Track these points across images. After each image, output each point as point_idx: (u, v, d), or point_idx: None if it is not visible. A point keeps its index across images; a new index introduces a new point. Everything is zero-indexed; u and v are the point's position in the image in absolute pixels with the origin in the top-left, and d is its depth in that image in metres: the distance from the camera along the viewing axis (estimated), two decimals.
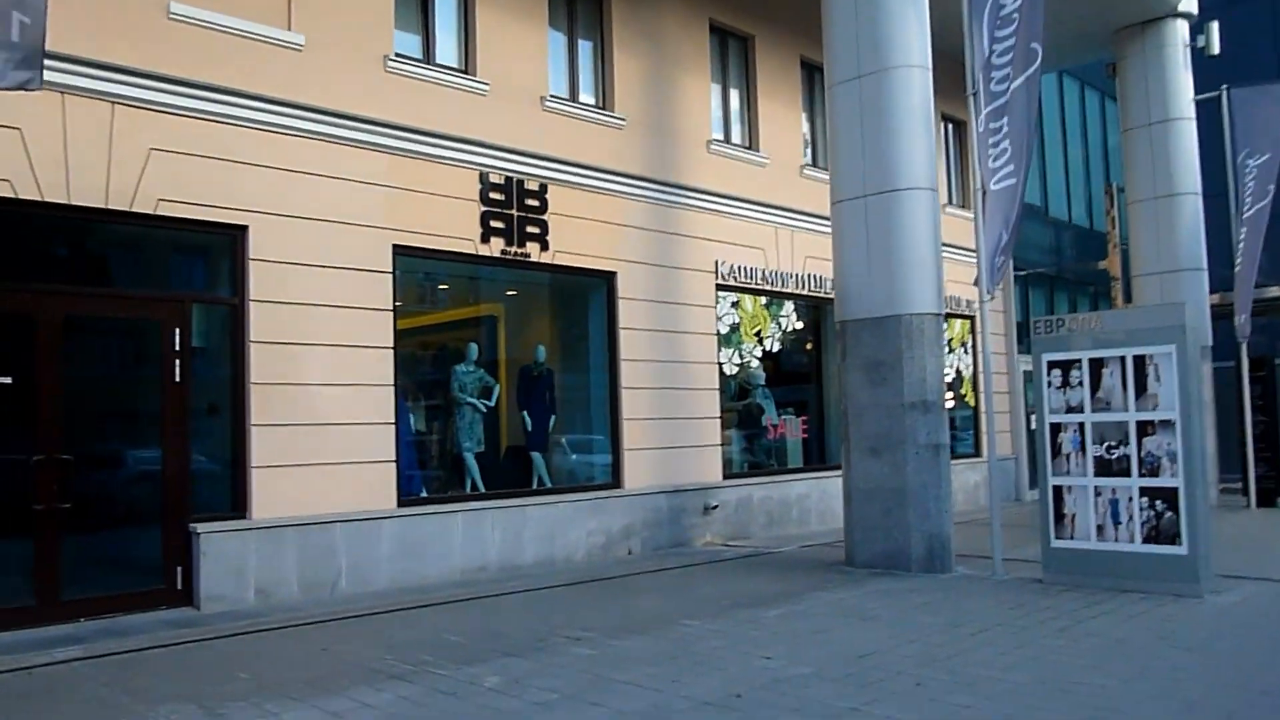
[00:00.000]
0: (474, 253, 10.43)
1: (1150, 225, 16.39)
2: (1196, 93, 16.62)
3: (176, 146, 8.39)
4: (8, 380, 7.73)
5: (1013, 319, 18.20)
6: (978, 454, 17.37)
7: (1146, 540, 8.38)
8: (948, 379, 16.98)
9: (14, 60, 5.24)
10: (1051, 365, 8.98)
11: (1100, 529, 8.64)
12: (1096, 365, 8.70)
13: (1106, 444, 8.63)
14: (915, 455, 9.68)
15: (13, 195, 7.58)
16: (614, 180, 11.70)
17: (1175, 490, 8.22)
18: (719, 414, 12.80)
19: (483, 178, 10.50)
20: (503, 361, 11.55)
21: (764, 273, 13.52)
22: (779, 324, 14.00)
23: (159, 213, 8.28)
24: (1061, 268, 20.11)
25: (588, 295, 11.89)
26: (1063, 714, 4.98)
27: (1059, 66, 19.67)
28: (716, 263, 12.90)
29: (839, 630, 7.18)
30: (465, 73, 10.56)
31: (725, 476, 12.80)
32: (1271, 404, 16.18)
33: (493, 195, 10.58)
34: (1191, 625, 7.10)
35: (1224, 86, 16.02)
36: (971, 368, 17.43)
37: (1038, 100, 9.86)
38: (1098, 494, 8.67)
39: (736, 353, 13.36)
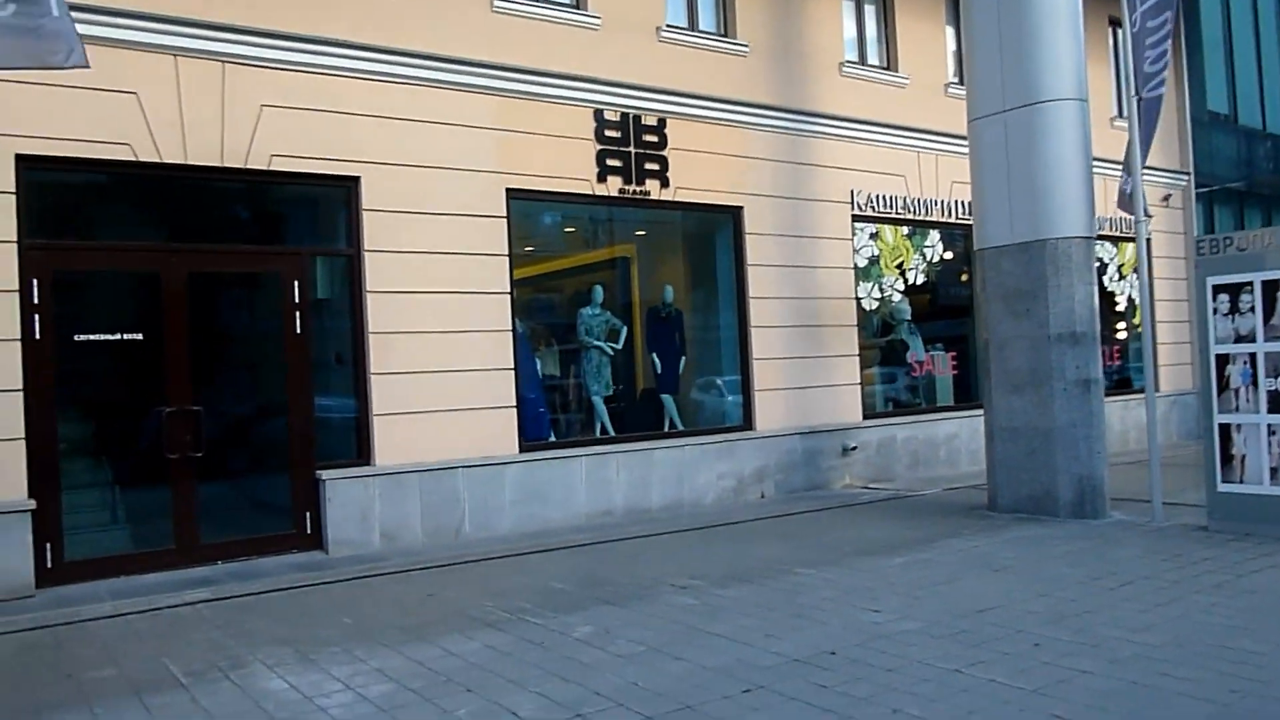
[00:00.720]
0: (590, 193, 10.19)
1: None
2: None
3: (286, 101, 8.45)
4: (139, 336, 8.05)
5: (1193, 241, 16.60)
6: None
7: None
8: (1120, 308, 15.76)
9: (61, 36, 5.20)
10: (1218, 290, 8.05)
11: (1275, 472, 7.75)
12: (1271, 288, 7.73)
13: None
14: (1063, 391, 8.93)
15: (133, 158, 7.81)
16: (738, 111, 11.19)
17: None
18: (858, 351, 12.22)
19: (597, 115, 10.22)
20: (636, 303, 11.34)
21: (905, 201, 12.74)
22: (923, 255, 13.22)
23: (273, 168, 8.39)
24: (1254, 182, 18.20)
25: (715, 232, 11.49)
26: (1198, 685, 4.41)
27: None
28: (852, 192, 12.23)
29: (963, 581, 6.69)
30: (575, 7, 10.25)
31: (865, 416, 12.25)
32: None
33: (608, 133, 10.28)
34: None
35: None
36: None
37: None
38: (1272, 433, 7.76)
39: (876, 287, 12.70)
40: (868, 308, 12.61)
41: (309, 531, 8.60)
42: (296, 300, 8.61)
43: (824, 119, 11.97)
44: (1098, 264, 15.24)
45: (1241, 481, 7.93)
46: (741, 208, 11.25)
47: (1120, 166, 14.37)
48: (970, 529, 8.65)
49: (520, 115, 9.70)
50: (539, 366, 10.70)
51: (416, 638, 5.74)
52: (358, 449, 8.83)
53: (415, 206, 9.03)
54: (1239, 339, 7.92)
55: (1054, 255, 8.94)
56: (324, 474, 8.55)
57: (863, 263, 12.50)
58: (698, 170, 10.88)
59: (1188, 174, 16.69)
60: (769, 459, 11.28)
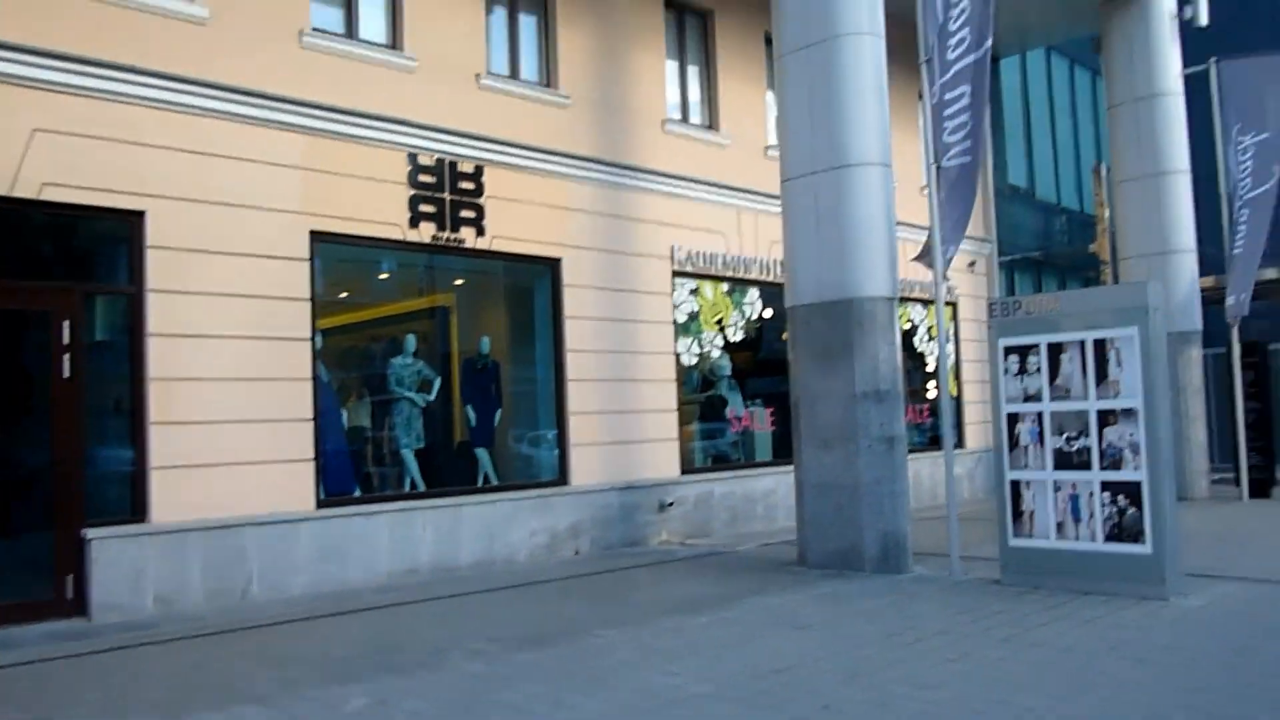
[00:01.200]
0: (402, 238, 9.85)
1: (1138, 205, 15.69)
2: (1185, 67, 15.96)
3: (63, 127, 7.82)
4: None
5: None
6: (960, 445, 16.72)
7: (1109, 539, 7.76)
8: (931, 368, 16.38)
9: None
10: (1008, 350, 8.36)
11: (1060, 526, 8.03)
12: (1055, 350, 8.08)
13: (1066, 435, 8.01)
14: (868, 448, 9.08)
15: None
16: (558, 161, 11.10)
17: (1138, 484, 7.60)
18: (676, 406, 12.20)
19: (411, 159, 9.92)
20: (454, 354, 11.02)
21: (725, 258, 12.90)
22: (743, 312, 13.38)
23: (44, 197, 7.72)
24: (1050, 252, 19.43)
25: (534, 283, 11.31)
26: None
27: (1047, 42, 19.01)
28: (673, 248, 12.29)
29: (765, 640, 6.59)
30: (391, 47, 9.97)
31: (684, 471, 12.21)
32: (1264, 391, 15.51)
33: (422, 178, 9.99)
34: (1148, 632, 6.49)
35: (1212, 59, 15.32)
36: (953, 355, 16.76)
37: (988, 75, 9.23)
38: (1057, 489, 8.05)
39: (696, 342, 12.75)
40: (687, 363, 12.64)
41: (70, 596, 7.82)
42: (66, 341, 7.90)
43: (646, 174, 12.02)
44: (910, 325, 15.87)
45: (1031, 536, 8.19)
46: (560, 259, 11.12)
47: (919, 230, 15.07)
48: (778, 585, 8.63)
49: (328, 155, 9.31)
50: (346, 418, 10.21)
51: (167, 714, 5.20)
52: (133, 505, 8.12)
53: (208, 245, 8.48)
54: (1027, 398, 8.23)
55: (859, 314, 9.14)
56: (91, 532, 7.81)
57: (682, 318, 12.54)
58: (516, 220, 10.70)
59: (991, 242, 17.63)
60: (585, 515, 11.05)
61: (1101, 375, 7.80)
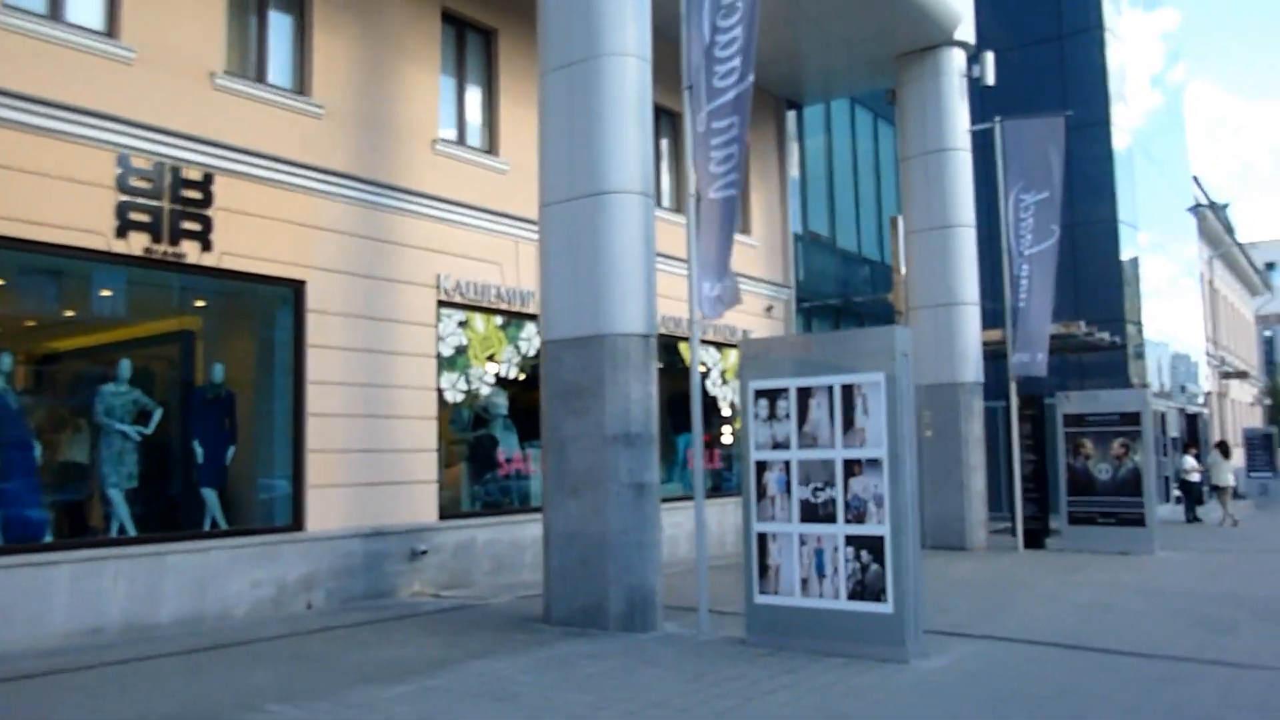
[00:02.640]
0: (105, 249, 8.67)
1: (926, 257, 15.86)
2: (974, 124, 16.32)
3: None
4: None
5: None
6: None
7: (852, 596, 7.31)
8: (725, 412, 16.02)
9: None
10: (759, 394, 7.88)
11: (805, 583, 7.54)
12: (804, 395, 7.64)
13: (813, 485, 7.55)
14: (617, 495, 8.42)
15: None
16: (307, 175, 10.14)
17: (882, 539, 7.18)
18: (437, 446, 11.30)
19: (122, 161, 8.78)
20: (180, 383, 9.85)
21: (500, 290, 12.14)
22: (518, 347, 12.62)
23: None
24: (849, 300, 19.55)
25: (277, 308, 10.25)
26: None
27: (849, 93, 19.22)
28: (439, 276, 11.45)
29: (456, 715, 5.76)
30: (106, 35, 8.84)
31: (442, 516, 11.28)
32: (1040, 443, 15.81)
33: (135, 182, 8.86)
34: (877, 703, 5.99)
35: (997, 118, 15.68)
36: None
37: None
38: (803, 542, 7.58)
39: (463, 378, 11.90)
40: (453, 399, 11.76)
41: None
42: None
43: (411, 195, 11.18)
44: (704, 369, 15.47)
45: (777, 593, 7.67)
46: (305, 282, 10.12)
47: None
48: (510, 647, 7.82)
49: (14, 150, 8.09)
50: (40, 452, 8.87)
51: None
52: None
53: None
54: (776, 445, 7.75)
55: (612, 352, 8.52)
56: None
57: (449, 351, 11.68)
58: (253, 236, 9.66)
59: (789, 288, 17.52)
60: (321, 564, 9.99)
61: (848, 423, 7.39)
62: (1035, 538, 15.34)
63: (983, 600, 10.08)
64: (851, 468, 7.34)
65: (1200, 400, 30.64)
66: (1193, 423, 27.09)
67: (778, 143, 17.86)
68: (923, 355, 15.72)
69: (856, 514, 7.30)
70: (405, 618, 9.44)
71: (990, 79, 15.85)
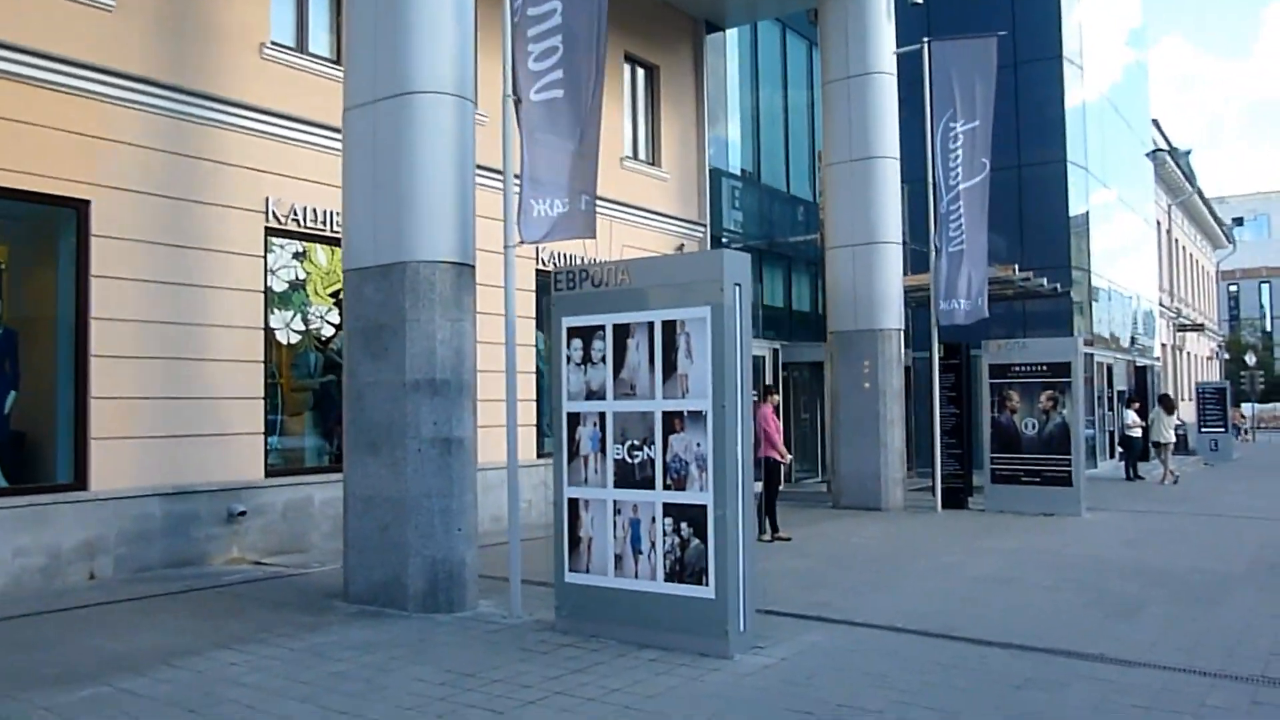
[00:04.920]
0: None
1: (845, 192, 14.54)
2: (902, 46, 14.92)
3: None
4: None
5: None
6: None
7: (669, 577, 6.07)
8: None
9: None
10: (572, 332, 6.56)
11: (619, 559, 6.30)
12: (622, 334, 6.33)
13: (629, 443, 6.28)
14: (418, 453, 7.13)
15: None
16: (93, 78, 8.65)
17: (704, 509, 5.92)
18: (263, 394, 9.94)
19: None
20: None
21: None
22: None
23: None
24: (773, 241, 18.21)
25: (60, 233, 8.81)
26: None
27: (776, 14, 17.71)
28: (268, 201, 10.02)
29: None
30: None
31: (269, 474, 9.96)
32: (963, 396, 14.63)
33: None
34: (674, 713, 4.77)
35: (925, 39, 14.29)
36: None
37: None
38: (618, 511, 6.31)
39: (300, 317, 10.52)
40: (287, 340, 10.38)
41: None
42: None
43: (232, 107, 9.70)
44: None
45: (588, 570, 6.42)
46: (89, 202, 8.66)
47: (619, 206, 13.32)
48: (278, 633, 6.55)
49: None
50: None
51: None
52: None
53: None
54: (590, 394, 6.46)
55: (415, 283, 7.17)
56: None
57: (281, 286, 10.28)
58: (26, 148, 8.20)
59: (704, 225, 16.16)
60: (109, 528, 8.66)
61: (670, 368, 6.09)
62: (956, 497, 14.23)
63: (869, 573, 8.91)
64: (672, 422, 6.07)
65: (1154, 353, 29.67)
66: (1143, 376, 26.08)
67: (694, 68, 16.39)
68: (840, 299, 14.53)
69: (677, 479, 6.03)
70: (196, 590, 8.15)
71: None
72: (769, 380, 16.73)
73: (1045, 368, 13.79)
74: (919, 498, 14.60)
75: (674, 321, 6.06)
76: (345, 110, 7.67)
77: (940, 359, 14.49)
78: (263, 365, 9.98)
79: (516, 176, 7.25)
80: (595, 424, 6.40)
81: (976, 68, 13.90)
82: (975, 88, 13.88)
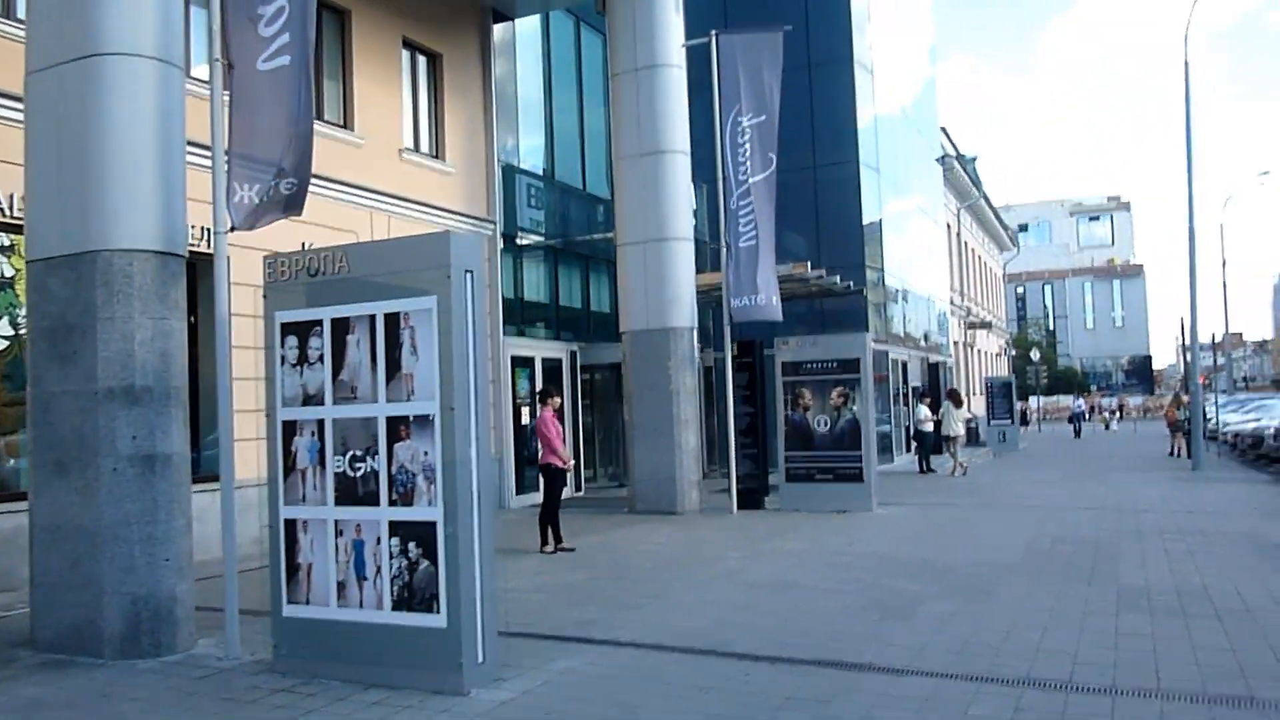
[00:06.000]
0: None
1: (635, 187, 14.11)
2: (691, 38, 14.64)
3: None
4: None
5: (498, 294, 15.35)
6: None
7: (397, 605, 5.32)
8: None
9: None
10: (287, 329, 5.73)
11: (342, 587, 5.50)
12: (341, 329, 5.54)
13: (351, 454, 5.49)
14: (113, 473, 6.11)
15: None
16: None
17: (433, 526, 5.21)
18: None
19: None
20: None
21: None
22: None
23: None
24: (569, 239, 17.64)
25: None
26: None
27: (564, 4, 17.13)
28: None
29: None
30: None
31: None
32: (758, 394, 14.45)
33: None
34: None
35: (713, 31, 14.02)
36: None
37: None
38: (339, 533, 5.52)
39: (8, 320, 9.18)
40: None
41: None
42: None
43: None
44: None
45: (308, 602, 5.60)
46: None
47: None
48: None
49: None
50: None
51: None
52: None
53: None
54: (308, 399, 5.64)
55: (108, 274, 6.15)
56: None
57: None
58: None
59: (493, 222, 15.42)
60: None
61: (394, 367, 5.35)
62: (752, 498, 13.99)
63: (646, 584, 8.39)
64: (397, 429, 5.33)
65: (947, 350, 30.83)
66: (935, 372, 26.98)
67: (480, 57, 15.62)
68: (632, 297, 14.09)
69: (403, 493, 5.30)
70: None
71: None
72: (551, 382, 16.15)
73: (836, 364, 13.73)
74: (718, 499, 14.31)
75: (397, 314, 5.32)
76: (27, 75, 6.54)
77: (734, 357, 14.26)
78: None
79: (228, 153, 6.33)
80: (313, 433, 5.58)
81: (764, 61, 13.73)
82: (763, 81, 13.69)
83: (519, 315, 16.19)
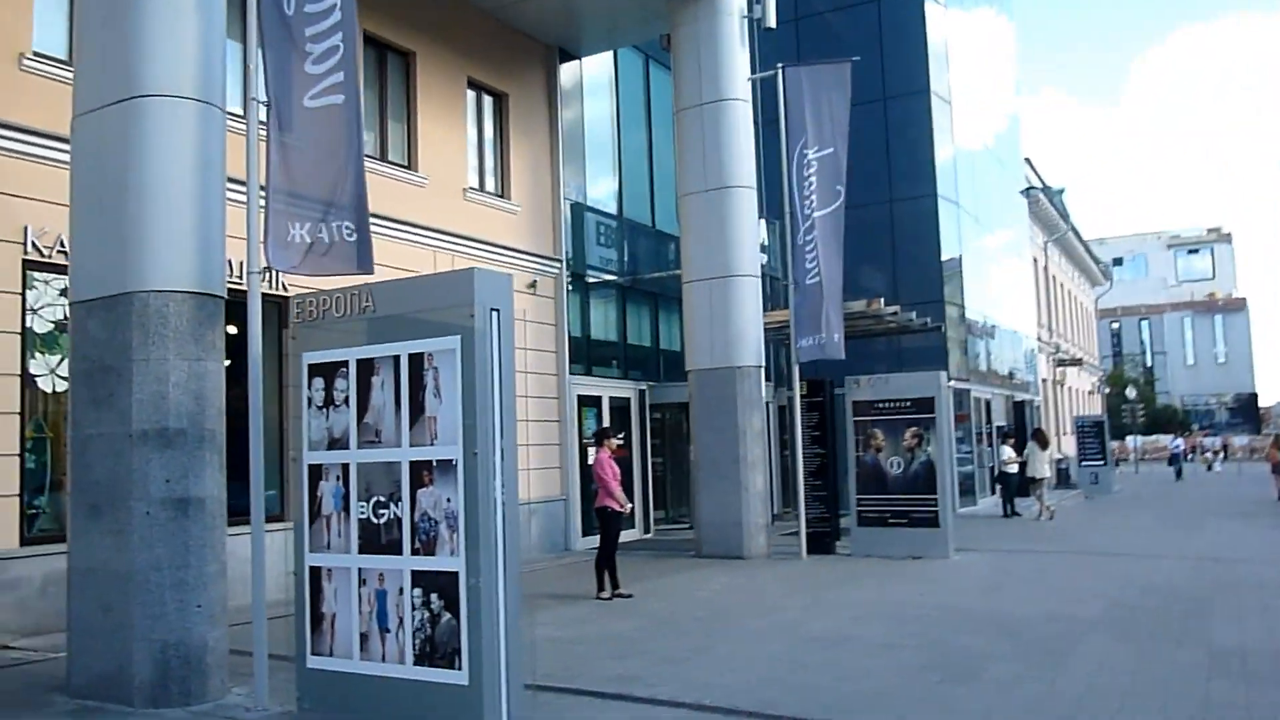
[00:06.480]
0: None
1: (701, 223, 13.88)
2: (759, 72, 14.43)
3: None
4: None
5: (564, 332, 15.22)
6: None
7: (419, 659, 5.08)
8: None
9: None
10: (314, 371, 5.59)
11: (365, 638, 5.29)
12: (366, 371, 5.38)
13: (375, 499, 5.30)
14: (146, 516, 6.02)
15: None
16: None
17: (455, 577, 4.97)
18: (18, 449, 8.68)
19: None
20: None
21: None
22: None
23: None
24: (638, 277, 17.45)
25: None
26: None
27: (634, 41, 17.08)
28: (27, 230, 8.83)
29: None
30: None
31: (26, 541, 8.67)
32: (828, 435, 13.99)
33: None
34: None
35: (779, 65, 13.78)
36: None
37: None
38: (363, 581, 5.32)
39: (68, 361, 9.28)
40: (51, 388, 9.13)
41: None
42: None
43: None
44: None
45: (332, 653, 5.40)
46: None
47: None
48: None
49: None
50: None
51: None
52: None
53: None
54: (333, 443, 5.48)
55: (144, 316, 6.11)
56: None
57: (44, 327, 9.06)
58: None
59: (559, 261, 15.33)
60: None
61: (418, 409, 5.16)
62: (822, 542, 13.51)
63: (697, 635, 8.02)
64: (421, 474, 5.12)
65: (1035, 388, 29.78)
66: (1021, 411, 26.03)
67: (546, 95, 15.64)
68: (697, 335, 13.82)
69: (426, 541, 5.08)
70: None
71: (772, 20, 13.92)
72: (619, 421, 15.95)
73: (909, 404, 13.22)
74: (788, 542, 13.85)
75: (421, 355, 5.14)
76: (74, 118, 6.60)
77: (804, 397, 13.86)
78: (19, 417, 8.72)
79: (267, 189, 6.27)
80: (338, 478, 5.42)
81: (831, 93, 13.42)
82: (830, 113, 13.38)
83: (586, 354, 16.03)
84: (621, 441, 13.55)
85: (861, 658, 7.04)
